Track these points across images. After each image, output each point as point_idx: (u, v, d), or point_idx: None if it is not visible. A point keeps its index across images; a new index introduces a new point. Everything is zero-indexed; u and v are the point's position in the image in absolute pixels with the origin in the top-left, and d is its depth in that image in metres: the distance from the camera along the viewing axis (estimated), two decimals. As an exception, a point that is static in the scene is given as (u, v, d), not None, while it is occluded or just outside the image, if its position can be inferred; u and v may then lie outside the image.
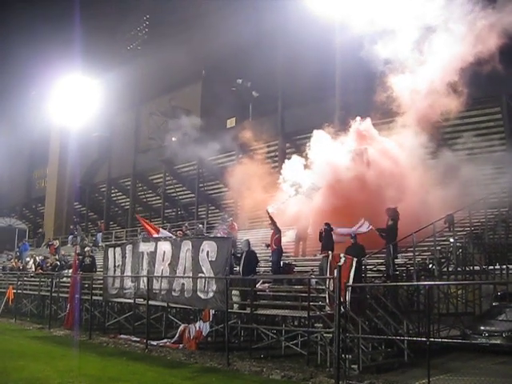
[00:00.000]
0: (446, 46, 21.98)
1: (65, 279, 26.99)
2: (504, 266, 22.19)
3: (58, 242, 38.58)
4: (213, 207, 44.19)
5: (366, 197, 20.22)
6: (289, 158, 26.56)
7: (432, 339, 13.75)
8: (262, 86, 37.29)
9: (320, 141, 24.23)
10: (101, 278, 23.73)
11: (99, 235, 40.56)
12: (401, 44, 22.54)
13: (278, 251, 19.75)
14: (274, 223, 20.58)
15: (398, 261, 18.10)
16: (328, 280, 15.48)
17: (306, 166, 24.33)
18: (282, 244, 20.06)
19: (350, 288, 14.72)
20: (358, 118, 23.84)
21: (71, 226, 46.41)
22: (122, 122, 50.28)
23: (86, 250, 28.19)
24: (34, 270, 31.77)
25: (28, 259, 34.56)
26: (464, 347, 16.62)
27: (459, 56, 21.46)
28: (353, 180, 21.63)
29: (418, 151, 22.64)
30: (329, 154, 23.32)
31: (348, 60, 27.73)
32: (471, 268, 20.63)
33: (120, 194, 53.03)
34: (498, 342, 16.67)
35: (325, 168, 22.92)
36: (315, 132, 24.65)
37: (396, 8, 23.17)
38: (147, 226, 24.31)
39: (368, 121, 23.72)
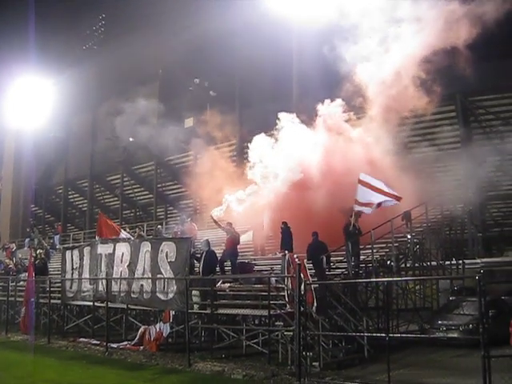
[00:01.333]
0: (403, 42, 22.15)
1: (22, 283, 26.46)
2: (460, 261, 22.65)
3: (14, 245, 37.76)
4: (171, 208, 43.91)
5: (325, 193, 20.27)
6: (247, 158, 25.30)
7: (391, 335, 13.99)
8: (220, 86, 37.17)
9: (287, 124, 23.49)
10: (59, 280, 23.35)
11: (57, 237, 39.92)
12: (361, 39, 22.70)
13: (229, 252, 19.71)
14: (219, 227, 20.76)
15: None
16: (287, 278, 15.53)
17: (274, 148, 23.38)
18: (235, 245, 19.94)
19: (312, 287, 14.84)
20: (328, 101, 23.35)
21: (28, 229, 45.60)
22: (79, 122, 49.50)
23: (37, 252, 27.62)
24: (-12, 274, 31.06)
25: (-18, 263, 33.75)
26: (423, 341, 16.87)
27: (415, 53, 21.70)
28: (314, 175, 21.64)
29: (379, 147, 22.75)
30: (291, 147, 22.86)
31: (306, 57, 27.66)
32: (428, 263, 20.94)
33: (77, 195, 52.24)
34: (456, 335, 16.92)
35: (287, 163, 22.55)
36: (281, 115, 23.74)
37: (355, 3, 23.27)
38: (108, 226, 23.84)
39: (338, 103, 23.14)
